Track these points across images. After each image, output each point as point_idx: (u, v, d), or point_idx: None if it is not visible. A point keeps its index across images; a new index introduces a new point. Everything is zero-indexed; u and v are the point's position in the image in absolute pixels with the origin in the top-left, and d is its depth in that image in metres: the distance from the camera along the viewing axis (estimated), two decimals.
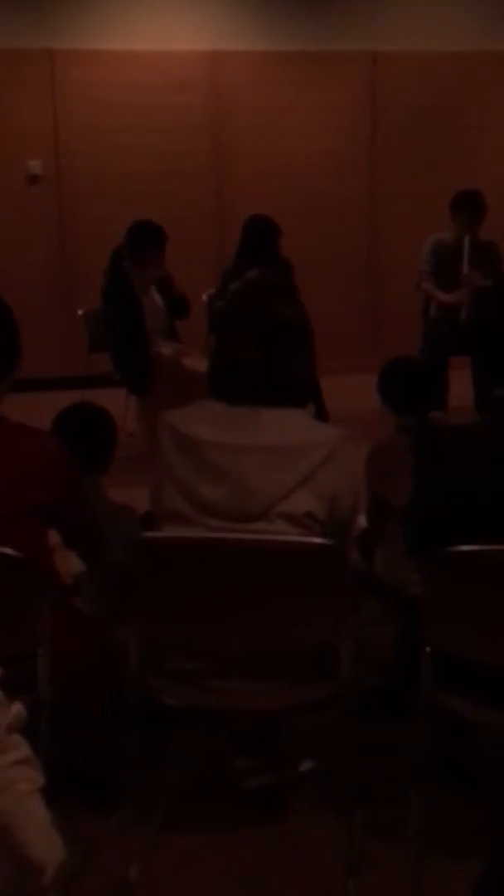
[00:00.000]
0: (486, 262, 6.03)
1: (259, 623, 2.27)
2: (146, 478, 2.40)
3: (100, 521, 2.62)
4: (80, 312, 6.29)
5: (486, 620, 2.16)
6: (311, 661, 2.36)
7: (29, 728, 1.65)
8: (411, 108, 7.96)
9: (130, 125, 7.63)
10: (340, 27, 7.83)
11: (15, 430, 2.38)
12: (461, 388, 5.43)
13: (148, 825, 2.51)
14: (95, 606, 2.70)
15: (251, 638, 2.29)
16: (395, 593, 2.90)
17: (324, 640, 2.31)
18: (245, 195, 7.46)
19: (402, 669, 2.39)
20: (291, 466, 2.24)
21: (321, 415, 5.50)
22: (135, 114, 7.61)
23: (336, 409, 5.22)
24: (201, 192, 7.82)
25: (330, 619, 2.26)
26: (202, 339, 6.11)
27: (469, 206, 6.06)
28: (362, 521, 2.95)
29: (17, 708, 1.62)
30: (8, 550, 2.18)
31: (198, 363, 5.19)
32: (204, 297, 6.19)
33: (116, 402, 5.26)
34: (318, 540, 2.21)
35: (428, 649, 2.20)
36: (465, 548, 2.10)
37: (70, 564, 2.68)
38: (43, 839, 1.57)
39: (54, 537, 2.52)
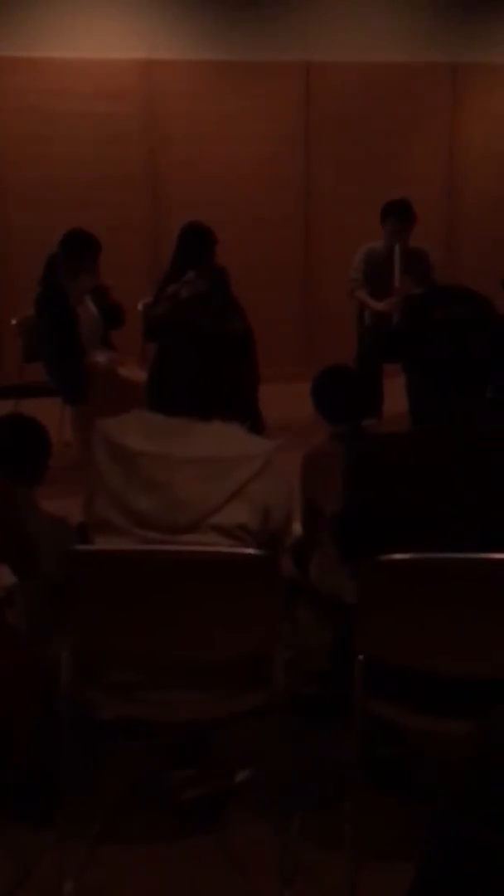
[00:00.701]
0: (416, 269, 6.13)
1: (192, 633, 2.27)
2: (82, 488, 2.39)
3: (33, 533, 2.61)
4: (13, 322, 6.24)
5: (418, 628, 2.18)
6: (246, 671, 2.36)
7: None
8: (345, 118, 8.03)
9: (65, 133, 7.58)
10: (275, 38, 7.87)
11: None
12: (397, 395, 5.46)
13: (83, 839, 2.50)
14: (27, 619, 2.68)
15: (185, 649, 2.29)
16: (330, 600, 2.91)
17: (257, 649, 2.31)
18: (180, 204, 7.46)
19: (336, 676, 2.40)
20: (224, 478, 2.25)
21: (257, 424, 5.50)
22: (69, 122, 7.56)
23: (272, 418, 5.23)
24: (136, 202, 7.79)
25: (262, 629, 2.27)
26: (137, 348, 6.10)
27: (397, 212, 6.15)
28: (298, 528, 2.96)
29: None
30: None
31: (133, 372, 5.18)
32: (139, 306, 6.18)
33: (51, 411, 5.22)
34: (249, 550, 2.23)
35: (360, 657, 2.22)
36: (398, 556, 2.12)
37: (1, 577, 2.66)
38: None
39: None
